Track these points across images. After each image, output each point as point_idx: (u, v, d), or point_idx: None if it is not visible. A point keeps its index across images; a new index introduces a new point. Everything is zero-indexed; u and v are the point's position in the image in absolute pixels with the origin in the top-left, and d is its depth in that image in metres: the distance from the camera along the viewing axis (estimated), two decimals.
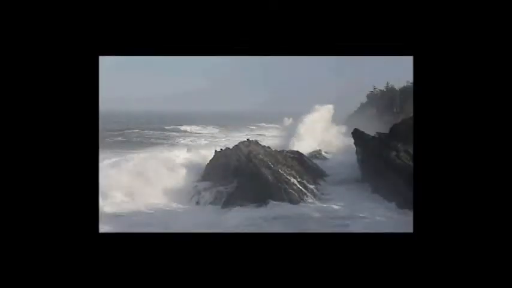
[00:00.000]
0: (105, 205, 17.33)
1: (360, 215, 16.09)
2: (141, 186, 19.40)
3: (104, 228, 14.75)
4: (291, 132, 35.89)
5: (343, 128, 34.99)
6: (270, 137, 43.62)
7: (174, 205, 18.62)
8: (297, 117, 39.10)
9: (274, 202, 17.75)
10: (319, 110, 39.19)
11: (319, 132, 35.35)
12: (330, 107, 40.60)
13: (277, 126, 59.33)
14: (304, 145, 29.66)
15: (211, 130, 66.66)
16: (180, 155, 25.00)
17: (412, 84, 44.28)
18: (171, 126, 67.31)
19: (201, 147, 33.29)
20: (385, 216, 15.87)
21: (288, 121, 46.82)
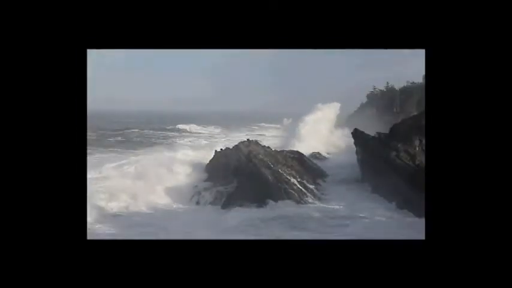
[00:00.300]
0: (106, 205, 17.37)
1: (360, 215, 16.09)
2: (141, 187, 19.39)
3: (103, 228, 14.89)
4: (291, 133, 34.46)
5: (346, 131, 32.44)
6: (270, 137, 43.42)
7: (174, 205, 18.62)
8: (298, 117, 37.49)
9: (274, 202, 17.76)
10: (322, 109, 37.34)
11: (322, 134, 34.02)
12: (336, 105, 38.17)
13: (277, 126, 58.66)
14: (306, 147, 28.56)
15: (211, 130, 66.62)
16: (181, 155, 24.99)
17: (411, 84, 44.54)
18: (171, 126, 67.34)
19: (201, 147, 33.20)
20: (385, 216, 15.88)
21: (287, 121, 45.98)
